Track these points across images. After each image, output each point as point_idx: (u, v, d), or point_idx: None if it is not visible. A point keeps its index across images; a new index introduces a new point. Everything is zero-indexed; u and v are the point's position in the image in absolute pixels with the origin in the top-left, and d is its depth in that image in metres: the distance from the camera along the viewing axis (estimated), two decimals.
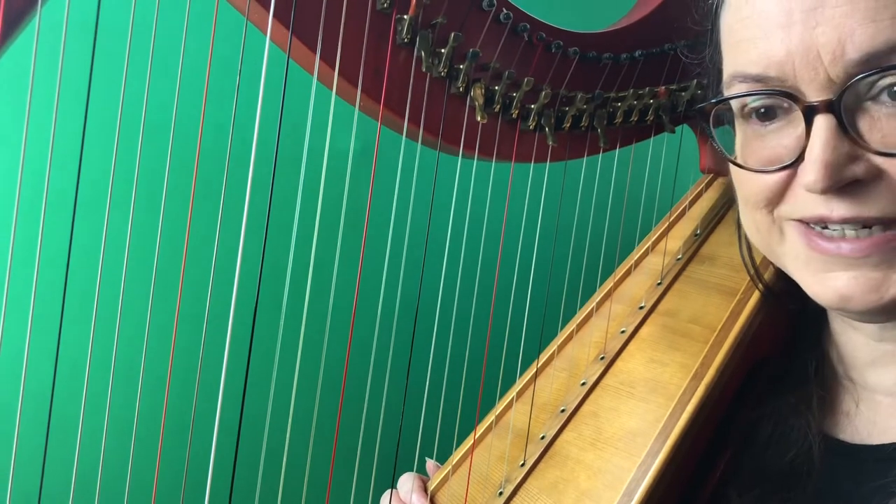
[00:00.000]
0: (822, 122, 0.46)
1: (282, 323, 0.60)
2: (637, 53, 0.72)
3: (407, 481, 0.73)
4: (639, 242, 0.83)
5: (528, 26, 0.66)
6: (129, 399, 0.60)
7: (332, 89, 0.59)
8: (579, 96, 0.70)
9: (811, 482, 0.56)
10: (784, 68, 0.47)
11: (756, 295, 0.67)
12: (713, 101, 0.54)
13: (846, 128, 0.46)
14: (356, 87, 0.59)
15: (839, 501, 0.54)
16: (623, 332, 0.74)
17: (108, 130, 0.55)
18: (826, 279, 0.50)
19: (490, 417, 0.76)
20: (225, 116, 0.56)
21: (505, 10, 0.64)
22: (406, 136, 0.63)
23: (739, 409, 0.64)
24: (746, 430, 0.63)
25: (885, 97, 0.46)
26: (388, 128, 0.63)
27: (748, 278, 0.69)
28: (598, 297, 0.80)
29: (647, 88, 0.74)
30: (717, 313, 0.69)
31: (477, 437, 0.74)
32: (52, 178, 0.53)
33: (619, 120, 0.74)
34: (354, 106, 0.60)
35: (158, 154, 0.57)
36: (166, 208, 0.60)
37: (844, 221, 0.48)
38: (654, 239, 0.83)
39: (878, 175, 0.46)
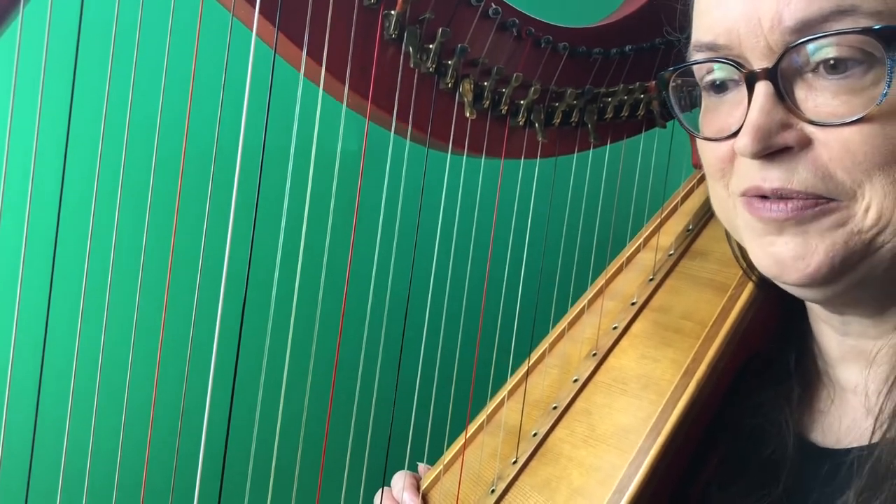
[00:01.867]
0: (760, 89, 0.49)
1: (270, 321, 0.59)
2: (627, 48, 0.72)
3: (399, 480, 0.72)
4: (630, 238, 0.83)
5: (518, 21, 0.65)
6: (117, 399, 0.60)
7: (319, 86, 0.58)
8: (569, 92, 0.70)
9: (784, 480, 0.56)
10: (731, 36, 0.50)
11: (748, 290, 0.67)
12: (670, 69, 0.57)
13: (783, 95, 0.48)
14: (343, 83, 0.59)
15: (806, 500, 0.55)
16: (615, 328, 0.74)
17: (93, 128, 0.54)
18: (764, 245, 0.52)
19: (482, 415, 0.75)
20: (211, 113, 0.56)
21: (493, 6, 0.64)
22: (394, 133, 0.63)
23: (730, 405, 0.64)
24: (733, 425, 0.63)
25: (822, 69, 0.47)
26: (376, 124, 0.62)
27: (740, 273, 0.69)
28: (590, 293, 0.80)
29: (638, 83, 0.74)
30: (708, 309, 0.68)
31: (469, 434, 0.74)
32: (37, 175, 0.53)
33: (610, 115, 0.73)
34: (342, 102, 0.59)
35: (144, 152, 0.57)
36: (152, 206, 0.59)
37: (775, 192, 0.50)
38: (645, 235, 0.83)
39: (808, 145, 0.48)
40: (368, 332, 0.68)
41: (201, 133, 0.59)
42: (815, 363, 0.61)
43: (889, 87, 0.45)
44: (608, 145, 0.75)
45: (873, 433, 0.51)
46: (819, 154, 0.48)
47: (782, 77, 0.48)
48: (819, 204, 0.49)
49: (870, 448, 0.51)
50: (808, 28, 0.46)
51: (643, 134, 0.78)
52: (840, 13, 0.46)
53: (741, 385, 0.65)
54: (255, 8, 0.54)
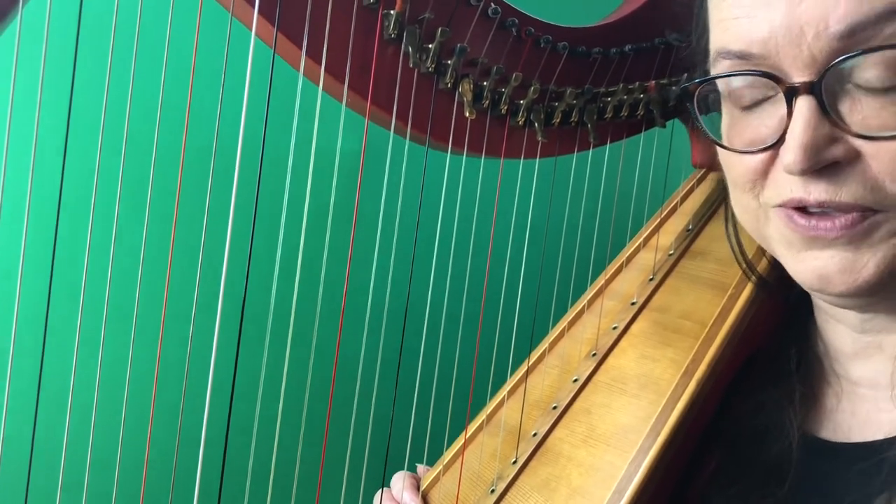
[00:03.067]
0: (802, 104, 0.46)
1: (270, 319, 0.59)
2: (627, 48, 0.72)
3: (398, 480, 0.72)
4: (630, 238, 0.83)
5: (517, 21, 0.65)
6: (115, 405, 0.60)
7: (318, 85, 0.58)
8: (569, 91, 0.70)
9: (790, 479, 0.56)
10: (767, 46, 0.47)
11: (748, 289, 0.67)
12: (698, 80, 0.54)
13: (827, 109, 0.46)
14: (343, 83, 0.59)
15: (816, 499, 0.54)
16: (615, 328, 0.74)
17: (92, 128, 0.54)
18: (805, 258, 0.50)
19: (482, 415, 0.75)
20: (210, 113, 0.56)
21: (493, 5, 0.64)
22: (394, 133, 0.63)
23: (731, 405, 0.64)
24: (734, 425, 0.62)
25: (865, 81, 0.45)
26: (375, 124, 0.62)
27: (740, 273, 0.69)
28: (589, 293, 0.80)
29: (638, 83, 0.74)
30: (708, 308, 0.68)
31: (468, 434, 0.74)
32: (36, 175, 0.53)
33: (610, 115, 0.73)
34: (342, 102, 0.59)
35: (143, 153, 0.57)
36: (152, 207, 0.59)
37: (821, 205, 0.48)
38: (645, 234, 0.82)
39: (856, 158, 0.46)
40: (368, 332, 0.68)
41: (201, 133, 0.59)
42: (818, 361, 0.61)
43: None
44: (608, 145, 0.75)
45: None
46: (869, 166, 0.46)
47: (826, 91, 0.46)
48: (867, 217, 0.47)
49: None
50: (859, 31, 0.44)
51: (643, 134, 0.78)
52: (894, 13, 0.43)
53: (742, 384, 0.64)
54: (254, 8, 0.54)
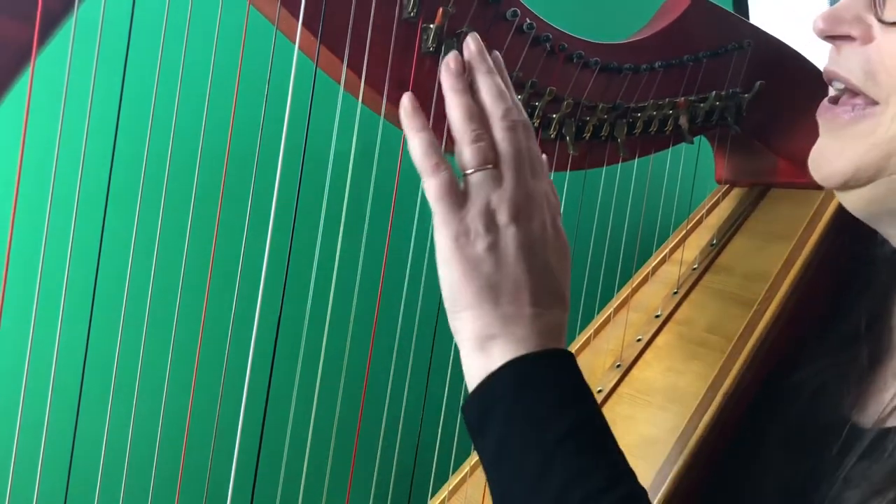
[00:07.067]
0: None
1: (306, 323, 0.61)
2: (657, 64, 0.73)
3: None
4: (655, 251, 0.84)
5: (551, 36, 0.66)
6: (155, 400, 0.61)
7: (358, 98, 0.59)
8: (600, 106, 0.71)
9: (836, 451, 0.54)
10: None
11: (773, 305, 0.68)
12: None
13: None
14: (382, 95, 0.60)
15: (853, 477, 0.52)
16: (639, 340, 0.75)
17: (139, 132, 0.56)
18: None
19: None
20: (253, 122, 0.57)
21: (528, 21, 0.65)
22: None
23: (785, 373, 0.63)
24: (789, 389, 0.62)
25: None
26: None
27: (765, 288, 0.70)
28: (614, 304, 0.81)
29: (667, 99, 0.75)
30: (734, 323, 0.69)
31: None
32: (84, 177, 0.54)
33: (639, 130, 0.74)
34: (380, 114, 0.60)
35: (188, 159, 0.58)
36: (195, 212, 0.61)
37: (827, 74, 0.53)
38: (670, 248, 0.84)
39: (868, 41, 0.50)
40: (400, 336, 0.69)
41: (244, 140, 0.60)
42: (889, 332, 0.59)
43: None
44: (636, 159, 0.76)
45: None
46: (872, 51, 0.50)
47: None
48: (857, 108, 0.51)
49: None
50: None
51: (670, 149, 0.79)
52: None
53: (802, 348, 0.64)
54: (298, 21, 0.55)
